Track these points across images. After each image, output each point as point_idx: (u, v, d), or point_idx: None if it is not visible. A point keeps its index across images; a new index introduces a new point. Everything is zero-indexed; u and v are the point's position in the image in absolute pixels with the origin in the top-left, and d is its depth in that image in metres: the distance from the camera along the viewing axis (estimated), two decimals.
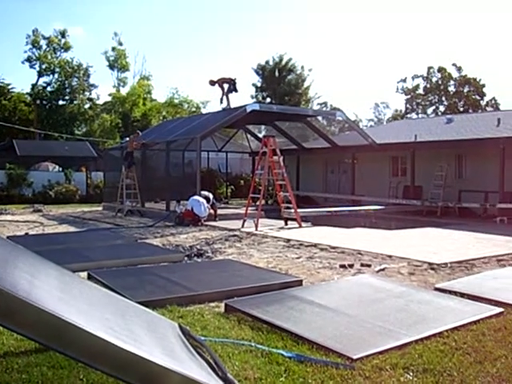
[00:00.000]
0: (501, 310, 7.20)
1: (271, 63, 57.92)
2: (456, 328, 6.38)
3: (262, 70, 58.16)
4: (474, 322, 6.64)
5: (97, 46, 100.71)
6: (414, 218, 21.74)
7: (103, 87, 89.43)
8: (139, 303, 6.27)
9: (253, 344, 5.71)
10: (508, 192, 20.98)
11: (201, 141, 21.48)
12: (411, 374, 5.03)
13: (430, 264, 10.89)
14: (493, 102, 70.51)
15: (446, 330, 6.27)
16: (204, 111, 53.84)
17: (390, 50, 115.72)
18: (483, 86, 70.55)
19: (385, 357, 5.41)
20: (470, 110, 62.55)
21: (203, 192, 20.48)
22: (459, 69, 71.89)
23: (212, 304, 7.55)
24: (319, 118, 56.92)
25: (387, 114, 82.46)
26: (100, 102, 58.35)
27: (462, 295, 8.02)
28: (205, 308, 7.34)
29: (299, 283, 8.85)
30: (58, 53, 55.54)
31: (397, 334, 6.08)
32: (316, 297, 7.75)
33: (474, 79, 70.57)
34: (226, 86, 24.75)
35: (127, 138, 27.43)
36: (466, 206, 22.37)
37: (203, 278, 9.25)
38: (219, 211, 21.23)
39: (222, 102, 24.87)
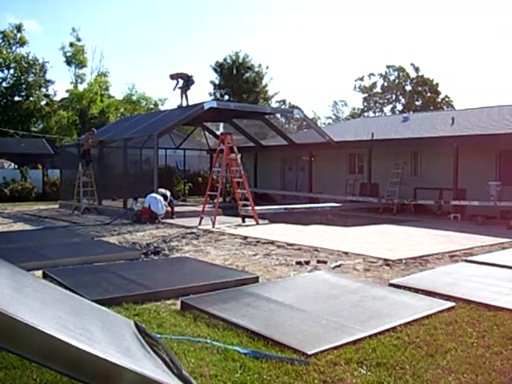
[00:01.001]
0: (452, 304, 7.37)
1: (229, 61, 57.82)
2: (409, 323, 6.51)
3: (219, 68, 58.00)
4: (427, 317, 6.78)
5: (53, 41, 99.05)
6: (371, 215, 22.01)
7: (60, 83, 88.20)
8: (95, 301, 6.25)
9: (208, 341, 5.72)
10: (461, 189, 21.37)
11: (158, 138, 21.37)
12: (365, 368, 5.12)
13: (385, 260, 11.05)
14: (446, 99, 71.72)
15: (400, 325, 6.39)
16: (162, 108, 53.53)
17: (348, 48, 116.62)
18: (437, 85, 71.75)
19: (339, 352, 5.49)
20: (428, 109, 63.45)
21: (160, 189, 20.38)
22: (417, 69, 72.95)
23: (168, 301, 7.54)
24: (277, 115, 57.16)
25: (345, 112, 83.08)
26: (57, 98, 57.45)
27: (416, 290, 8.17)
28: (161, 305, 7.33)
29: (255, 280, 8.89)
30: (14, 47, 54.54)
31: (351, 330, 6.16)
32: (272, 293, 7.81)
33: (429, 79, 71.70)
34: (181, 81, 24.75)
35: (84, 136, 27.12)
36: (422, 203, 22.70)
37: (160, 276, 9.24)
38: (177, 209, 21.18)
39: (174, 90, 24.82)
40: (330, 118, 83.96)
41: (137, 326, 5.42)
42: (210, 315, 6.73)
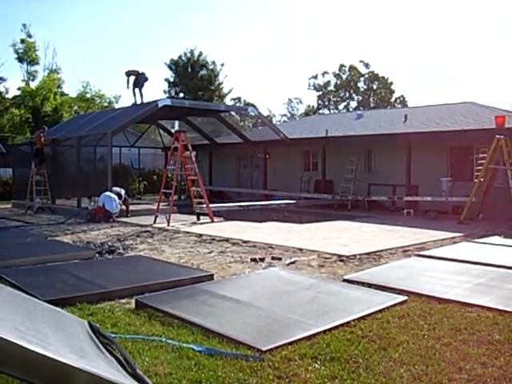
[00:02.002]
0: (405, 298, 7.50)
1: (184, 58, 57.55)
2: (363, 317, 6.60)
3: (174, 65, 57.67)
4: (380, 311, 6.89)
5: (3, 38, 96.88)
6: (325, 211, 22.17)
7: (12, 81, 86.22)
8: (48, 302, 6.18)
9: (163, 339, 5.70)
10: (414, 185, 21.74)
11: (112, 136, 21.19)
12: (319, 363, 5.17)
13: (339, 256, 11.16)
14: (401, 98, 72.75)
15: (354, 320, 6.47)
16: (117, 106, 52.94)
17: (303, 46, 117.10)
18: (391, 83, 72.65)
19: (294, 347, 5.53)
20: (382, 107, 64.21)
21: (115, 188, 20.22)
22: (367, 65, 73.74)
23: (123, 300, 7.50)
24: (232, 113, 57.14)
25: (300, 110, 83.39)
26: (9, 96, 56.26)
27: (370, 285, 8.29)
28: (115, 305, 7.29)
29: (210, 278, 8.88)
30: None
31: (306, 325, 6.21)
32: (227, 291, 7.83)
33: (383, 77, 72.56)
34: (132, 78, 24.62)
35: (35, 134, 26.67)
36: (375, 199, 22.99)
37: (114, 275, 9.16)
38: (132, 207, 21.03)
39: (128, 88, 24.73)
40: (285, 115, 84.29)
41: (91, 325, 5.38)
42: (164, 313, 6.71)
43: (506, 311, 6.89)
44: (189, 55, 57.28)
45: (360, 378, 4.82)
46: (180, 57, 57.50)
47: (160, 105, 22.60)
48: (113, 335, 5.57)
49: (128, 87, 24.71)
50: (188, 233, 15.18)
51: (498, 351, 5.54)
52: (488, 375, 4.92)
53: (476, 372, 4.98)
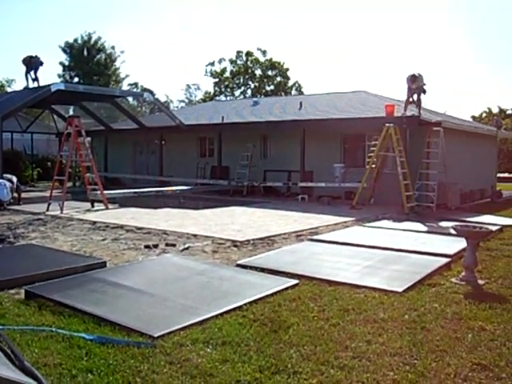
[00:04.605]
0: (296, 281, 7.69)
1: (80, 41, 56.19)
2: (255, 301, 6.74)
3: (69, 48, 56.20)
4: (272, 295, 7.05)
5: None
6: (222, 197, 22.28)
7: None
8: None
9: (53, 329, 5.62)
10: (309, 171, 22.15)
11: (3, 121, 20.50)
12: (211, 347, 5.25)
13: (233, 241, 11.26)
14: (297, 85, 73.76)
15: (246, 304, 6.59)
16: (9, 90, 51.05)
17: (200, 32, 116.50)
18: (287, 69, 73.48)
19: (186, 333, 5.59)
20: (278, 94, 64.87)
21: (6, 175, 19.55)
22: (264, 52, 74.24)
23: (12, 291, 7.29)
24: (130, 98, 56.24)
25: (198, 96, 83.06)
26: None
27: (262, 270, 8.44)
28: (4, 295, 7.07)
29: (103, 265, 8.76)
30: None
31: (198, 311, 6.28)
32: (120, 278, 7.77)
33: (279, 63, 73.26)
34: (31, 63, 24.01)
35: None
36: (271, 184, 23.25)
37: (3, 265, 8.86)
38: (24, 194, 20.38)
39: (27, 80, 24.10)
40: (184, 101, 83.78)
41: None
42: (55, 303, 6.60)
43: (390, 291, 7.25)
44: (85, 38, 55.96)
45: (251, 360, 4.94)
46: (76, 40, 56.08)
47: (53, 89, 21.98)
48: (0, 327, 5.43)
49: (26, 75, 24.07)
50: (82, 220, 14.89)
51: (382, 329, 5.83)
52: (371, 351, 5.18)
53: (361, 349, 5.23)
